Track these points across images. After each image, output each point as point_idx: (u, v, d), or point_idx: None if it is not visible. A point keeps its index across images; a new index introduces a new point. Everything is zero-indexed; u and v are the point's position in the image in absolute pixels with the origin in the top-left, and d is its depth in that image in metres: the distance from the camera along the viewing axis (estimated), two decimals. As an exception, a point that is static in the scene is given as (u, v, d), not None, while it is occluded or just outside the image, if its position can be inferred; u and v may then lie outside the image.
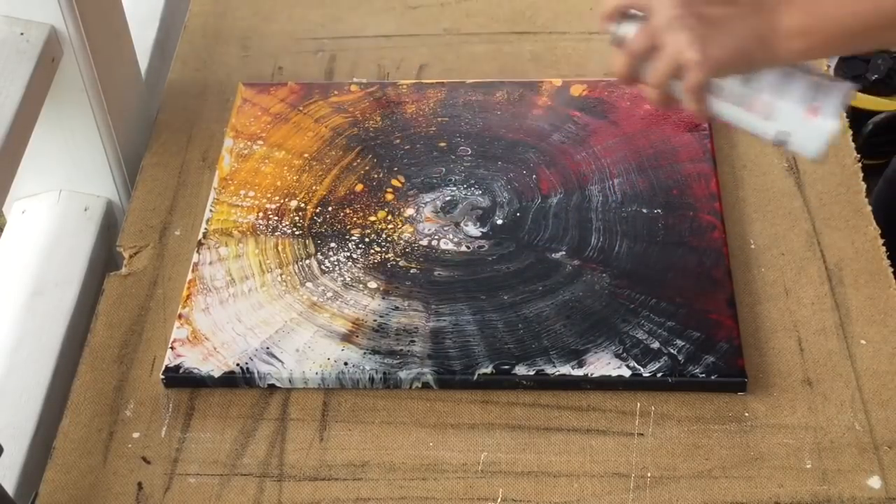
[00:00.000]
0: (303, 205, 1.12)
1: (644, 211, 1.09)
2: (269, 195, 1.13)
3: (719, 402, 0.97)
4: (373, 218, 1.11)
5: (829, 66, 1.27)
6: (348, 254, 1.08)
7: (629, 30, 0.89)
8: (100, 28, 1.14)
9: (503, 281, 1.04)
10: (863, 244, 1.08)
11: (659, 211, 1.09)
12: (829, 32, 0.86)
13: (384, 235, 1.09)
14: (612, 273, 1.04)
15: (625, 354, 0.98)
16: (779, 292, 1.05)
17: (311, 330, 1.01)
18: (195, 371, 0.99)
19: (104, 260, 1.18)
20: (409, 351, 0.99)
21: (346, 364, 0.99)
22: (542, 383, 0.98)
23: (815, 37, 0.86)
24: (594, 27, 1.33)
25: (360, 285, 1.05)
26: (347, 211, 1.11)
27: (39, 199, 1.20)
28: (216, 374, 0.99)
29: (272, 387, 0.99)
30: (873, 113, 2.05)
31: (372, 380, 0.98)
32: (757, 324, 1.02)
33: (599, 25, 0.91)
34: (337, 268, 1.06)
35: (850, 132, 1.19)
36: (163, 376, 1.00)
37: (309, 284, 1.05)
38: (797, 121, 0.88)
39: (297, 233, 1.10)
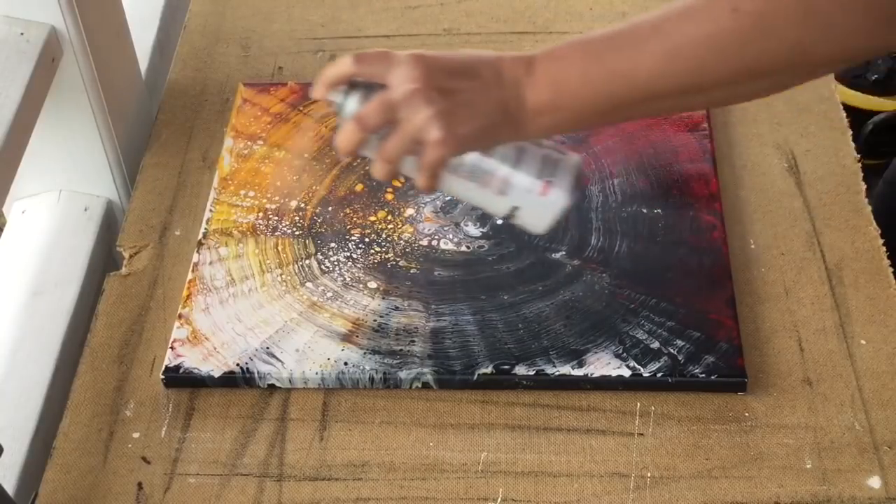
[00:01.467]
0: (303, 205, 1.12)
1: (644, 211, 1.09)
2: (269, 195, 1.13)
3: (719, 402, 0.97)
4: (373, 218, 1.11)
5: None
6: (348, 254, 1.08)
7: (353, 101, 0.84)
8: (100, 28, 1.14)
9: (503, 281, 1.04)
10: (863, 244, 1.08)
11: (659, 211, 1.09)
12: (578, 109, 0.81)
13: (384, 235, 1.09)
14: (612, 273, 1.04)
15: (625, 354, 0.98)
16: (779, 292, 1.04)
17: (311, 330, 1.01)
18: (195, 371, 0.99)
19: (104, 260, 1.18)
20: (409, 351, 0.99)
21: (346, 364, 0.99)
22: (542, 383, 0.98)
23: (564, 113, 0.82)
24: (594, 27, 1.32)
25: (360, 285, 1.05)
26: (347, 211, 1.11)
27: (39, 199, 1.20)
28: (216, 374, 0.99)
29: (272, 387, 0.99)
30: (873, 113, 2.05)
31: (372, 380, 0.98)
32: (757, 324, 1.02)
33: (317, 94, 0.85)
34: (337, 268, 1.06)
35: (850, 132, 1.19)
36: (163, 376, 1.00)
37: (309, 284, 1.05)
38: (531, 196, 0.87)
39: (297, 233, 1.10)
